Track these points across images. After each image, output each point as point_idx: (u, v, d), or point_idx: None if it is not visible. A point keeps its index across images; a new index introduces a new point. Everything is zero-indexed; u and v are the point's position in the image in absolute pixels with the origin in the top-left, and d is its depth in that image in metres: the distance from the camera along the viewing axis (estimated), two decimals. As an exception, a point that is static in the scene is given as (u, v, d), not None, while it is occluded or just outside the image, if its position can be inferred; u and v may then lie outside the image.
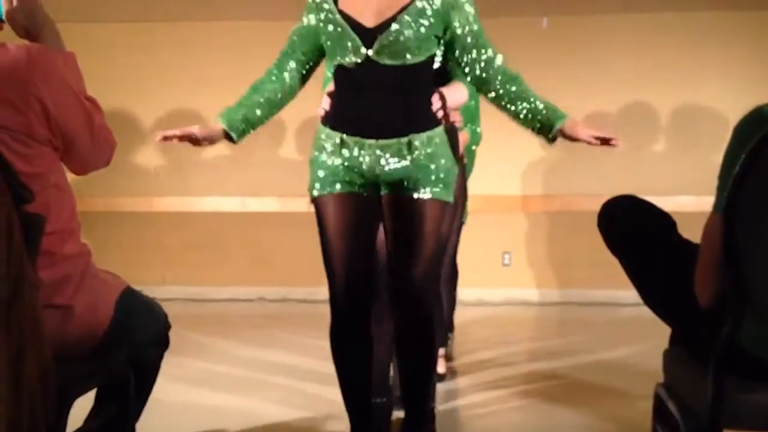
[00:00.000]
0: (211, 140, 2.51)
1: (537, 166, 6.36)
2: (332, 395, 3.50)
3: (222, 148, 6.46)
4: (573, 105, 6.26)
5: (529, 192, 6.36)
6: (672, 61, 6.23)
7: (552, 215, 6.33)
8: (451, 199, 2.57)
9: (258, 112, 2.58)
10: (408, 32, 2.43)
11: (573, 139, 2.50)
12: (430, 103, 2.57)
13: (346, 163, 2.52)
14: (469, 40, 2.53)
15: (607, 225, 2.14)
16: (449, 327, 4.29)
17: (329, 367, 3.91)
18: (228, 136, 2.53)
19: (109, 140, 2.09)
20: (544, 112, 2.54)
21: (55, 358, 1.75)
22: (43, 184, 1.88)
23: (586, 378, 3.95)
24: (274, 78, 2.59)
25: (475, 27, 2.54)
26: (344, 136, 2.51)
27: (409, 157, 2.50)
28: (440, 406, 3.42)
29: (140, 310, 2.16)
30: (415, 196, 2.50)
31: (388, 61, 2.46)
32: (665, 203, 2.20)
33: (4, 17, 1.97)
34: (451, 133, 2.96)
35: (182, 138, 2.44)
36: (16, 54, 1.86)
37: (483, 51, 2.55)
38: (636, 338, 4.71)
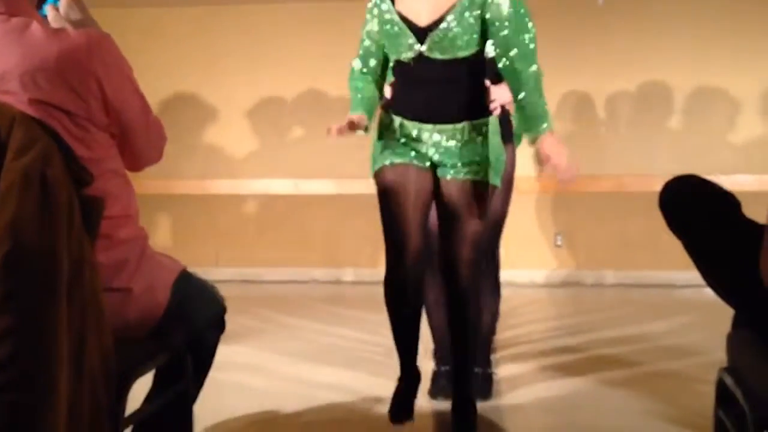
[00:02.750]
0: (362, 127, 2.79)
1: (588, 145, 6.27)
2: (384, 380, 3.51)
3: (272, 130, 6.50)
4: (631, 80, 6.22)
5: (581, 172, 6.26)
6: (731, 35, 6.09)
7: (604, 195, 6.24)
8: (498, 182, 2.83)
9: (372, 107, 2.88)
10: (456, 29, 2.72)
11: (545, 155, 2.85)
12: (483, 95, 2.84)
13: (404, 141, 2.82)
14: (500, 34, 2.75)
15: (670, 205, 2.09)
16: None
17: (382, 352, 3.95)
18: (366, 128, 2.81)
19: (161, 134, 2.11)
20: (528, 121, 2.84)
21: (114, 339, 1.77)
22: (102, 169, 1.89)
23: (644, 361, 3.90)
24: (367, 79, 2.90)
25: (507, 25, 2.75)
26: (404, 120, 2.82)
27: (463, 141, 2.80)
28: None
29: (197, 293, 2.17)
30: (464, 178, 2.78)
31: (438, 56, 2.75)
32: (723, 182, 2.14)
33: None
34: (505, 119, 3.19)
35: (350, 127, 2.71)
36: (76, 38, 1.87)
37: (511, 49, 2.77)
38: (693, 320, 4.64)
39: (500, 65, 2.81)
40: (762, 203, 1.88)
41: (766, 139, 5.87)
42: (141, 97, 2.01)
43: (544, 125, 2.82)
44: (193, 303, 2.13)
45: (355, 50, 2.99)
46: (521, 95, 2.81)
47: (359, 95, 2.88)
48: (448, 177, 2.80)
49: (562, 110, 6.26)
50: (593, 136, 6.28)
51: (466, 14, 2.72)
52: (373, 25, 2.87)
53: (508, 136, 3.31)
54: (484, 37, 2.77)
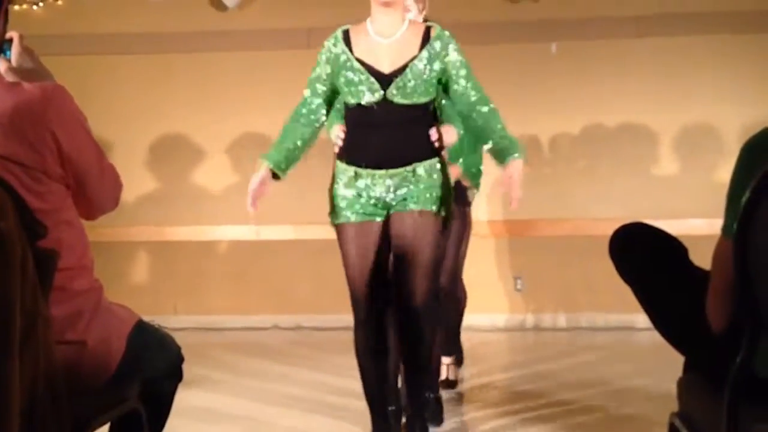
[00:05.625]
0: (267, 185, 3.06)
1: (547, 189, 6.34)
2: (346, 425, 3.49)
3: (233, 176, 6.49)
4: (582, 129, 6.34)
5: (539, 216, 6.33)
6: (681, 83, 6.23)
7: (563, 239, 6.30)
8: (448, 214, 3.05)
9: (297, 153, 3.08)
10: (417, 77, 2.94)
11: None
12: (429, 136, 3.03)
13: (360, 193, 2.99)
14: (461, 81, 2.99)
15: (619, 253, 2.14)
16: (457, 338, 4.39)
17: (342, 399, 3.93)
18: (275, 176, 3.05)
19: (116, 181, 2.11)
20: (499, 149, 2.99)
21: (68, 392, 1.75)
22: (56, 220, 1.88)
23: (601, 404, 3.92)
24: (305, 121, 3.07)
25: (463, 71, 2.99)
26: (358, 169, 3.00)
27: (414, 182, 2.98)
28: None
29: (153, 344, 2.16)
30: (416, 209, 2.97)
31: (400, 101, 2.95)
32: (677, 226, 2.19)
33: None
34: (457, 185, 3.50)
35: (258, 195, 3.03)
36: (30, 92, 1.87)
37: (472, 94, 2.99)
38: (651, 363, 4.67)
39: (467, 122, 3.05)
40: (712, 246, 1.92)
41: (715, 182, 5.98)
42: (96, 147, 2.02)
43: (515, 154, 2.98)
44: (149, 353, 2.12)
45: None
46: (489, 144, 3.00)
47: (287, 137, 3.06)
48: (400, 211, 2.99)
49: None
50: (550, 181, 6.37)
51: (427, 66, 2.95)
52: (325, 69, 3.04)
53: (459, 198, 3.58)
54: (438, 88, 3.01)
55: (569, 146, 6.38)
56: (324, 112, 3.09)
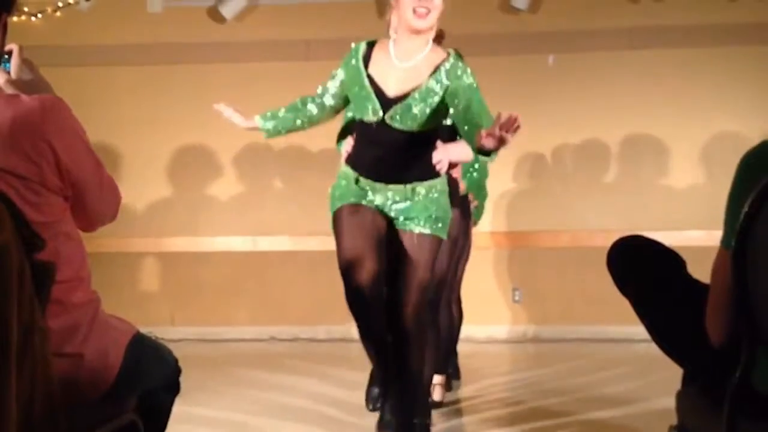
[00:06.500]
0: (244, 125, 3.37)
1: (545, 200, 6.35)
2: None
3: (232, 187, 6.49)
4: (580, 140, 6.35)
5: (537, 227, 6.34)
6: (679, 96, 6.25)
7: (561, 250, 6.30)
8: (445, 236, 3.08)
9: (297, 122, 3.22)
10: (416, 109, 2.92)
11: (495, 144, 2.65)
12: (430, 158, 3.05)
13: (361, 193, 3.04)
14: (463, 104, 2.87)
15: (617, 266, 2.14)
16: (448, 357, 4.31)
17: (340, 411, 3.92)
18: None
19: (115, 193, 2.11)
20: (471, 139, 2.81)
21: (65, 405, 1.75)
22: (53, 232, 1.88)
23: (599, 416, 3.91)
24: (316, 103, 3.16)
25: (472, 96, 2.90)
26: (360, 177, 3.06)
27: (411, 200, 3.02)
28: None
29: (150, 356, 2.16)
30: (415, 230, 3.01)
31: (398, 126, 2.96)
32: (675, 238, 2.19)
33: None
34: (452, 182, 3.44)
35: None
36: (29, 104, 1.88)
37: (474, 117, 2.84)
38: (649, 375, 4.67)
39: (465, 133, 2.86)
40: (713, 258, 1.92)
41: (713, 194, 5.99)
42: (94, 159, 2.02)
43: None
44: (146, 366, 2.11)
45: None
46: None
47: (293, 110, 3.21)
48: (399, 229, 3.04)
49: (519, 167, 6.36)
50: (549, 192, 6.37)
51: (430, 97, 2.91)
52: (341, 75, 3.10)
53: (454, 196, 3.47)
54: (442, 115, 2.98)
55: (568, 158, 6.39)
56: (329, 100, 3.14)
